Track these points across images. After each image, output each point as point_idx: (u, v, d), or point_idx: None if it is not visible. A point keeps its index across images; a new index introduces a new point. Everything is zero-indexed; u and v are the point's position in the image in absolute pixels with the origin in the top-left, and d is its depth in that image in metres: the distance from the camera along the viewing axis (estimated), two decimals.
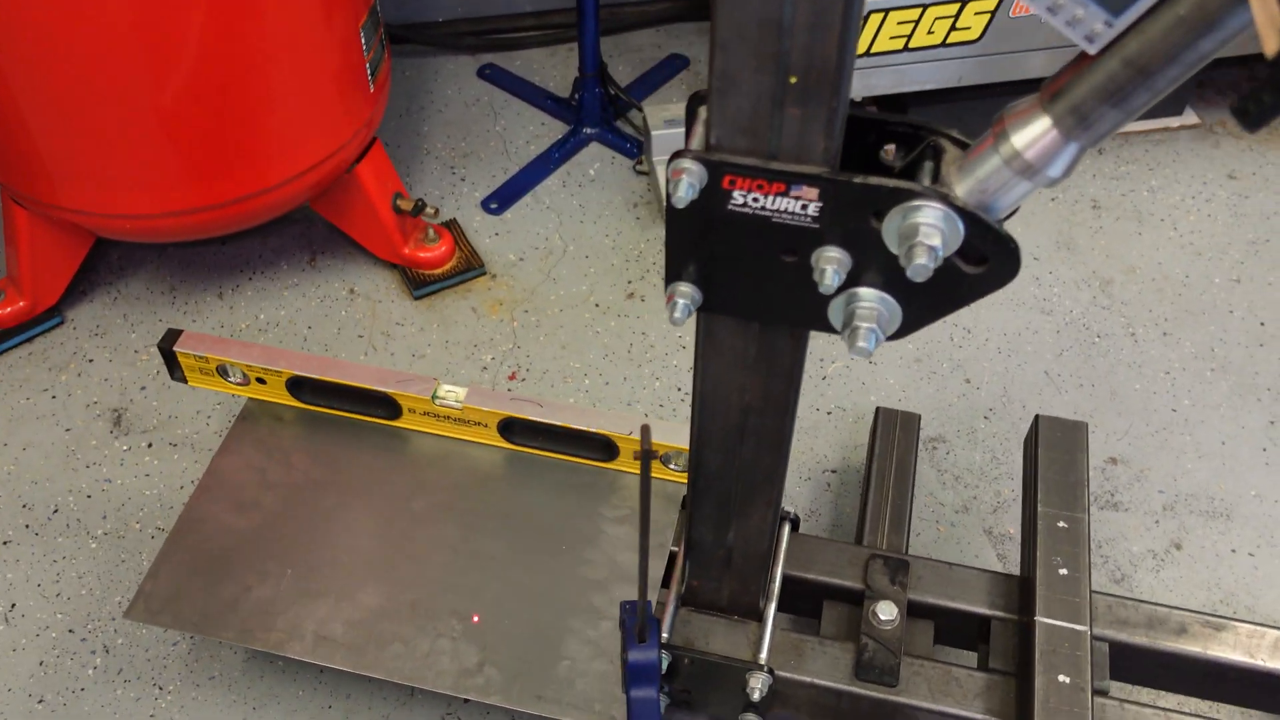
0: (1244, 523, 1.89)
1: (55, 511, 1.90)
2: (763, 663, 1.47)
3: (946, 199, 0.92)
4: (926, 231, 0.92)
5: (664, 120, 2.36)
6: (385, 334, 2.16)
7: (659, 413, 2.05)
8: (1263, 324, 2.19)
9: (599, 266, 2.28)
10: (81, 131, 1.81)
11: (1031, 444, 1.65)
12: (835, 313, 1.04)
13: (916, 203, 0.93)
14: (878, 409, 1.87)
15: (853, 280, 1.00)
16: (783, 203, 0.96)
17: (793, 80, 0.88)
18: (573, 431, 1.61)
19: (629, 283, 2.25)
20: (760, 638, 1.49)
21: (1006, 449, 2.01)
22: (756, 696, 1.43)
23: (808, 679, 1.47)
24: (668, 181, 0.96)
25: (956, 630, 1.58)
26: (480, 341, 2.15)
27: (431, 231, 2.22)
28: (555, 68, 2.73)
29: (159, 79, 1.76)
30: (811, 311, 1.04)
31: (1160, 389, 2.09)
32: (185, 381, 1.73)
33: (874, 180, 0.93)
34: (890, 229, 0.95)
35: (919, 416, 1.90)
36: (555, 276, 2.27)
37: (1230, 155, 2.53)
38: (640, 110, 2.44)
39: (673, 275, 1.05)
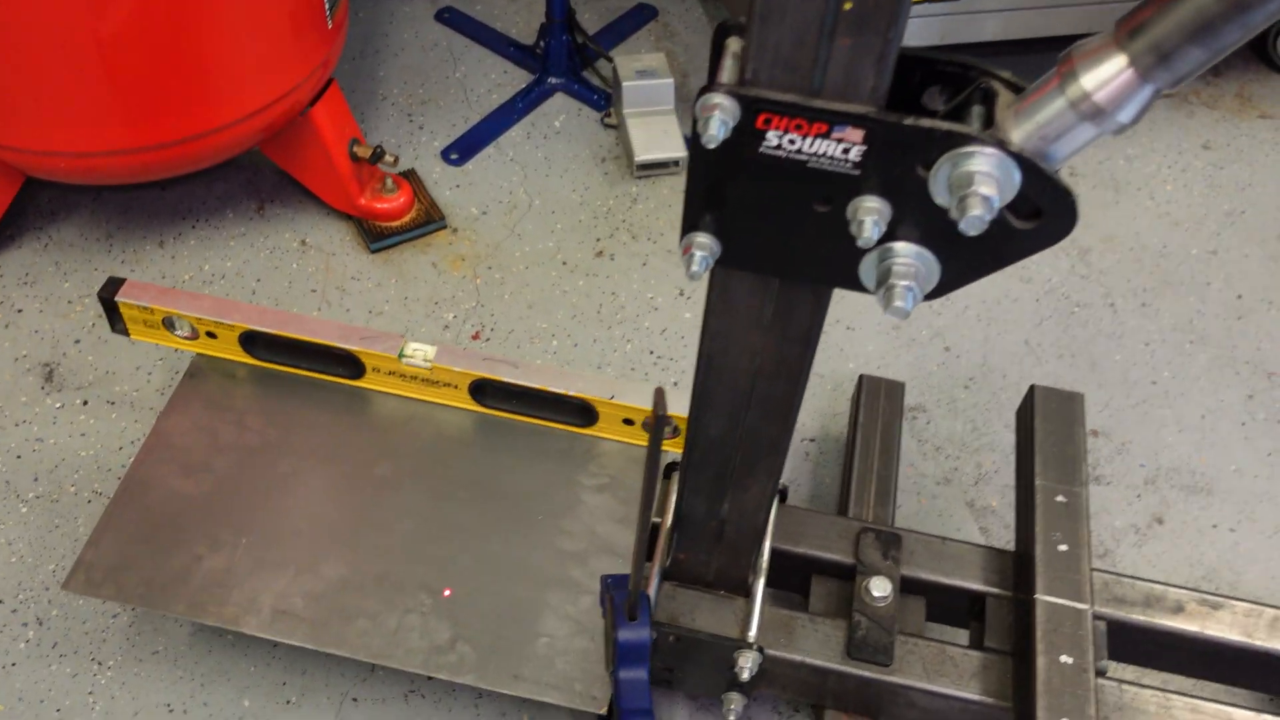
0: (1225, 497, 1.86)
1: None
2: (752, 641, 1.39)
3: (1003, 145, 0.84)
4: (981, 180, 0.84)
5: (635, 71, 2.26)
6: (340, 289, 2.04)
7: (630, 377, 1.96)
8: (1240, 297, 2.16)
9: (566, 223, 2.18)
10: (10, 60, 1.66)
11: (1026, 415, 1.59)
12: (867, 269, 0.95)
13: (970, 149, 0.84)
14: (861, 376, 1.80)
15: (889, 234, 0.92)
16: (822, 146, 0.87)
17: (847, 6, 0.79)
18: (549, 395, 1.52)
19: (597, 240, 2.15)
20: (749, 614, 1.42)
21: (987, 419, 1.96)
22: (746, 676, 1.36)
23: (798, 658, 1.41)
24: (681, 130, 0.87)
25: (948, 607, 1.52)
26: (441, 299, 2.04)
27: (390, 181, 2.09)
28: (518, 13, 2.61)
29: (97, 5, 1.61)
30: (841, 268, 0.96)
31: (1140, 360, 2.05)
32: (127, 334, 1.60)
33: (927, 123, 0.84)
34: (939, 178, 0.87)
35: (903, 385, 1.84)
36: (520, 232, 2.16)
37: (1205, 125, 2.49)
38: (610, 60, 2.34)
39: (690, 224, 0.96)
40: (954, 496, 1.85)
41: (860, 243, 0.90)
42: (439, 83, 2.44)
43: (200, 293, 1.60)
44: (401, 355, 1.53)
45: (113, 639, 1.60)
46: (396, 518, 1.48)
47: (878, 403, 1.80)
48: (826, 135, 0.86)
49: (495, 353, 1.68)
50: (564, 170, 2.27)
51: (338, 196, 2.09)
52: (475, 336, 1.99)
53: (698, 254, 0.95)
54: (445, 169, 2.25)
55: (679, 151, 2.24)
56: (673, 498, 1.50)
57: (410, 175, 2.20)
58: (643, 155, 2.22)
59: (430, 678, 1.59)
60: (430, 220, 2.12)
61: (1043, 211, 0.88)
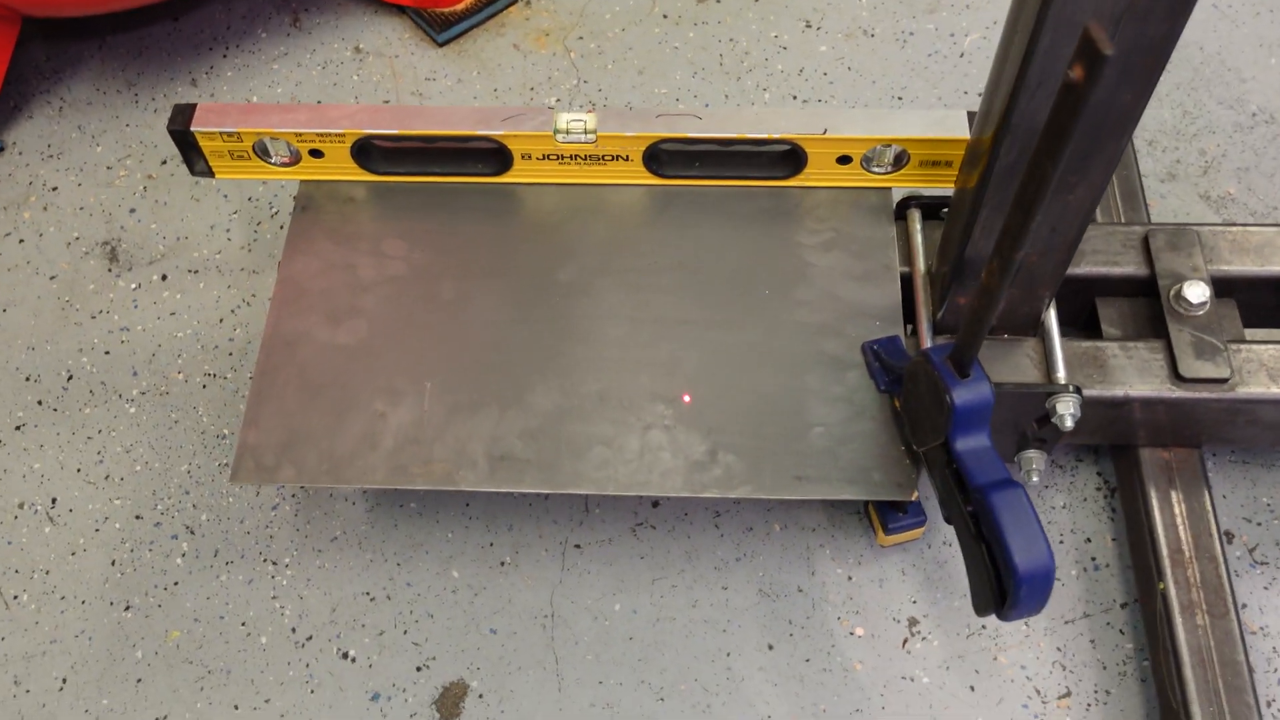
0: None
1: (70, 379, 1.49)
2: (1064, 381, 1.15)
3: None
4: None
5: None
6: (417, 94, 1.72)
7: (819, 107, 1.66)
8: None
9: None
10: None
11: None
12: None
13: None
14: None
15: None
16: None
17: None
18: (749, 144, 1.23)
19: None
20: (1049, 353, 1.17)
21: (1196, 100, 1.67)
22: (1069, 423, 1.12)
23: (1119, 392, 1.16)
24: None
25: (1263, 306, 1.27)
26: (536, 83, 1.73)
27: None
28: None
29: None
30: None
31: None
32: (211, 174, 1.30)
33: None
34: None
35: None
36: None
37: None
38: None
39: None
40: (1185, 193, 1.59)
41: None
42: None
43: (291, 104, 1.30)
44: (557, 131, 1.23)
45: (281, 534, 1.37)
46: (598, 324, 1.22)
47: None
48: None
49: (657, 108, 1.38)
50: None
51: None
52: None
53: None
54: None
55: None
56: (916, 239, 1.24)
57: None
58: None
59: (655, 504, 1.36)
60: None
61: None
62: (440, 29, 1.76)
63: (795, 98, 1.69)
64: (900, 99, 1.68)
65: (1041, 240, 1.06)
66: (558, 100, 1.71)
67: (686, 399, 1.17)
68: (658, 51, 1.75)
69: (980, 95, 1.65)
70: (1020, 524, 0.93)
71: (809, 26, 1.76)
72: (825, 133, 1.22)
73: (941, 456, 1.02)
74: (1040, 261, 1.09)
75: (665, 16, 1.79)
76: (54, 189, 1.65)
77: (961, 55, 1.72)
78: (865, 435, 1.14)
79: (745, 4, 1.79)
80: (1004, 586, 0.96)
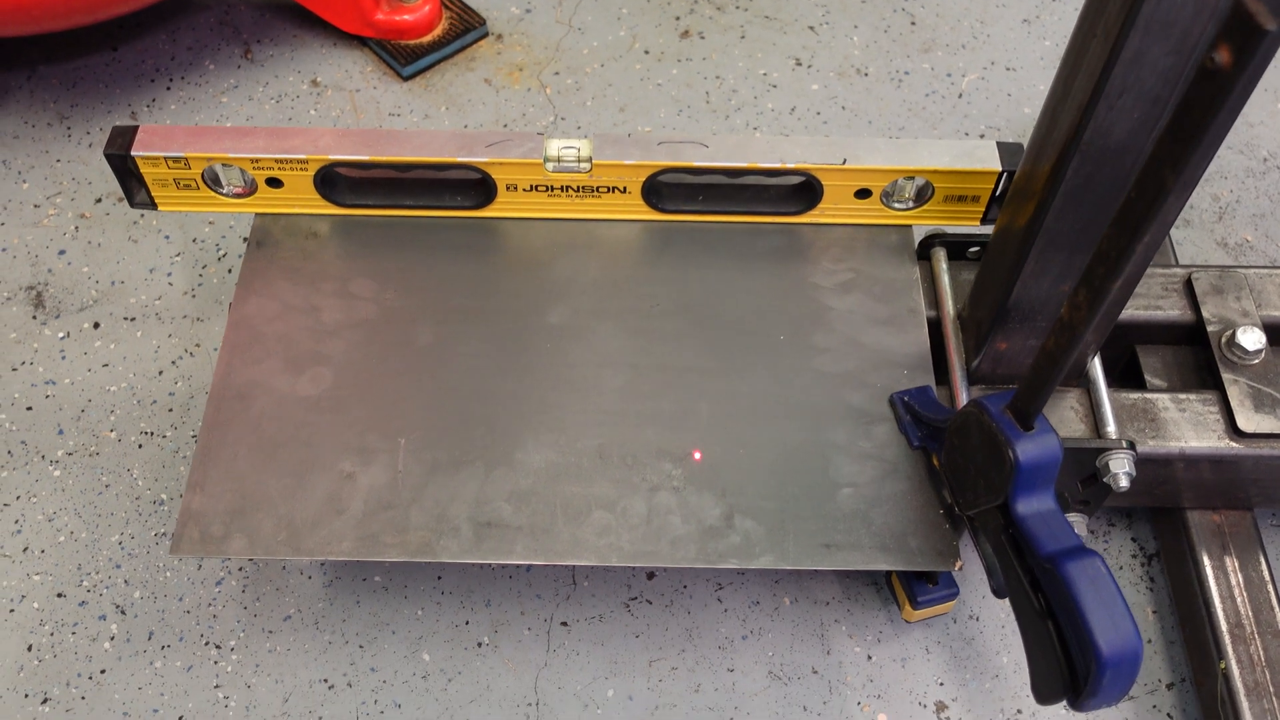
0: None
1: None
2: (1115, 436, 1.04)
3: None
4: None
5: None
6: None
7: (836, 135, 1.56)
8: None
9: (632, 6, 1.74)
10: None
11: None
12: None
13: None
14: None
15: None
16: None
17: None
18: (760, 174, 1.11)
19: (677, 20, 1.72)
20: (1096, 406, 1.06)
21: None
22: (1124, 482, 1.00)
23: (1175, 449, 1.05)
24: None
25: None
26: (510, 120, 1.61)
27: None
28: None
29: None
30: None
31: None
32: (153, 206, 1.15)
33: None
34: None
35: None
36: (580, 26, 1.72)
37: None
38: None
39: None
40: (1201, 240, 1.50)
41: None
42: None
43: (248, 126, 1.16)
44: (547, 159, 1.11)
45: (226, 613, 1.20)
46: (595, 373, 1.08)
47: None
48: None
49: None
50: None
51: (348, 15, 1.62)
52: None
53: None
54: None
55: None
56: (943, 280, 1.13)
57: None
58: None
59: (651, 575, 1.22)
60: (467, 28, 1.67)
61: None
62: (405, 62, 1.63)
63: (786, 135, 1.59)
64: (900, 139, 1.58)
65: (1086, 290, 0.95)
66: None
67: (697, 456, 1.03)
68: (640, 88, 1.64)
69: (983, 136, 1.57)
70: (1102, 599, 0.80)
71: (799, 64, 1.67)
72: (845, 163, 1.11)
73: (998, 521, 0.89)
74: (1084, 308, 0.98)
75: (646, 53, 1.68)
76: None
77: (960, 96, 1.63)
78: (899, 497, 1.01)
79: (731, 41, 1.70)
80: (1077, 671, 0.83)
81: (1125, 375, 1.18)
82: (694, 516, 1.00)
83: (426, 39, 1.65)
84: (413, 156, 1.11)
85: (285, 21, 1.68)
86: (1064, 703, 0.85)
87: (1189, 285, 1.14)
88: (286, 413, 1.05)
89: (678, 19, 1.72)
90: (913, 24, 1.72)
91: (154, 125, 1.11)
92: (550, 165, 1.12)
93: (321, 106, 1.61)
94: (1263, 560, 1.12)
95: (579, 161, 1.12)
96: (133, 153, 1.10)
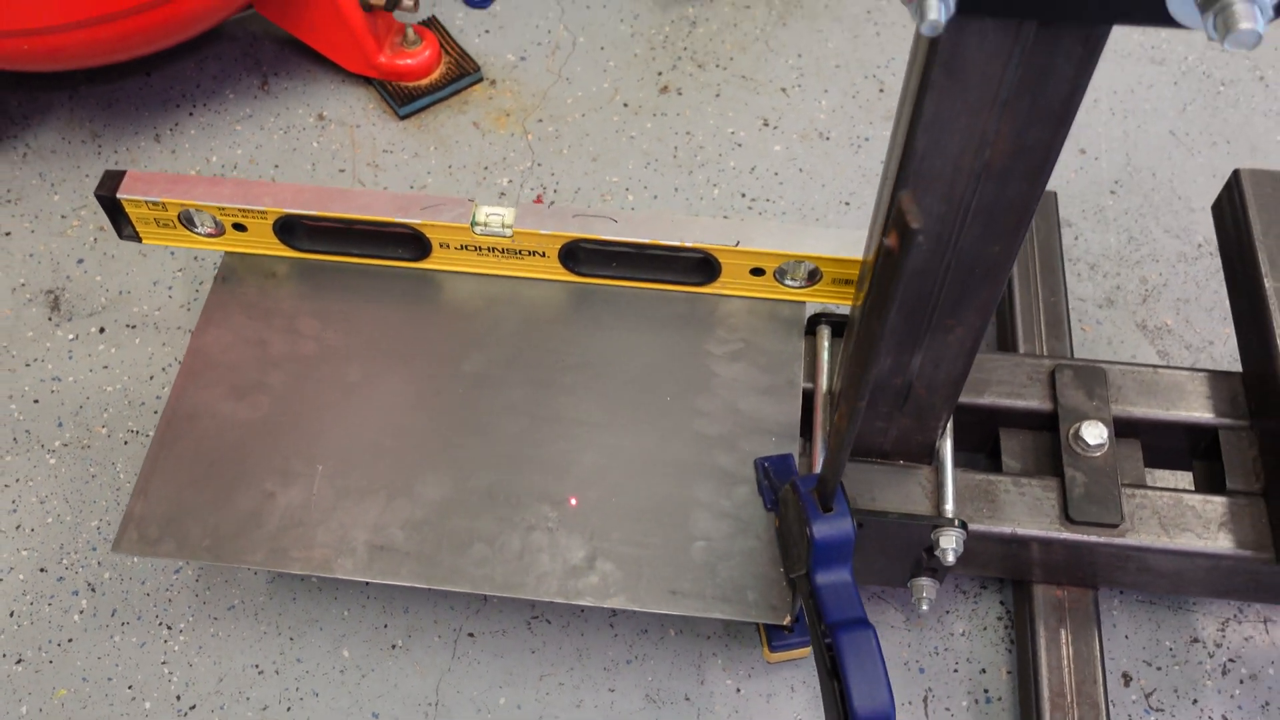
0: None
1: None
2: (951, 515, 1.15)
3: None
4: None
5: None
6: (372, 165, 1.75)
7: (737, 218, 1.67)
8: None
9: (619, 59, 1.87)
10: None
11: (1231, 207, 1.30)
12: None
13: None
14: None
15: None
16: None
17: None
18: (661, 250, 1.24)
19: (659, 75, 1.85)
20: (940, 485, 1.17)
21: (1143, 226, 1.67)
22: (950, 558, 1.11)
23: (1007, 529, 1.16)
24: None
25: (1166, 448, 1.27)
26: (491, 162, 1.75)
27: (411, 32, 1.78)
28: None
29: None
30: None
31: None
32: (138, 239, 1.32)
33: None
34: None
35: (1055, 195, 1.56)
36: (568, 76, 1.85)
37: None
38: None
39: None
40: (1122, 320, 1.58)
41: None
42: None
43: (219, 177, 1.32)
44: (474, 223, 1.25)
45: (180, 598, 1.37)
46: (498, 419, 1.22)
47: None
48: None
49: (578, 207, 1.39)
50: None
51: (353, 57, 1.78)
52: (538, 200, 1.70)
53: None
54: (470, 12, 1.93)
55: None
56: (823, 355, 1.24)
57: (432, 23, 1.88)
58: None
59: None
60: (463, 73, 1.82)
61: None
62: (403, 102, 1.78)
63: (744, 195, 1.71)
64: (848, 204, 1.69)
65: (927, 376, 1.06)
66: (509, 181, 1.73)
67: (573, 502, 1.17)
68: (614, 140, 1.77)
69: None
70: (864, 666, 0.92)
71: (766, 125, 1.78)
72: (738, 244, 1.23)
73: (806, 587, 1.01)
74: (928, 395, 1.09)
75: (625, 105, 1.81)
76: (7, 234, 1.68)
77: None
78: (746, 553, 1.14)
79: (706, 98, 1.81)
80: None
81: (994, 453, 1.28)
82: (561, 555, 1.14)
83: (424, 82, 1.80)
84: (357, 214, 1.26)
85: (301, 57, 1.85)
86: None
87: (1052, 377, 1.24)
88: (225, 433, 1.21)
89: (660, 74, 1.85)
90: (881, 91, 1.82)
91: (139, 172, 1.27)
92: (477, 229, 1.26)
93: (324, 139, 1.78)
94: (1096, 636, 1.22)
95: (502, 227, 1.25)
96: (119, 195, 1.27)
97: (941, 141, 0.81)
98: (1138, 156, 1.75)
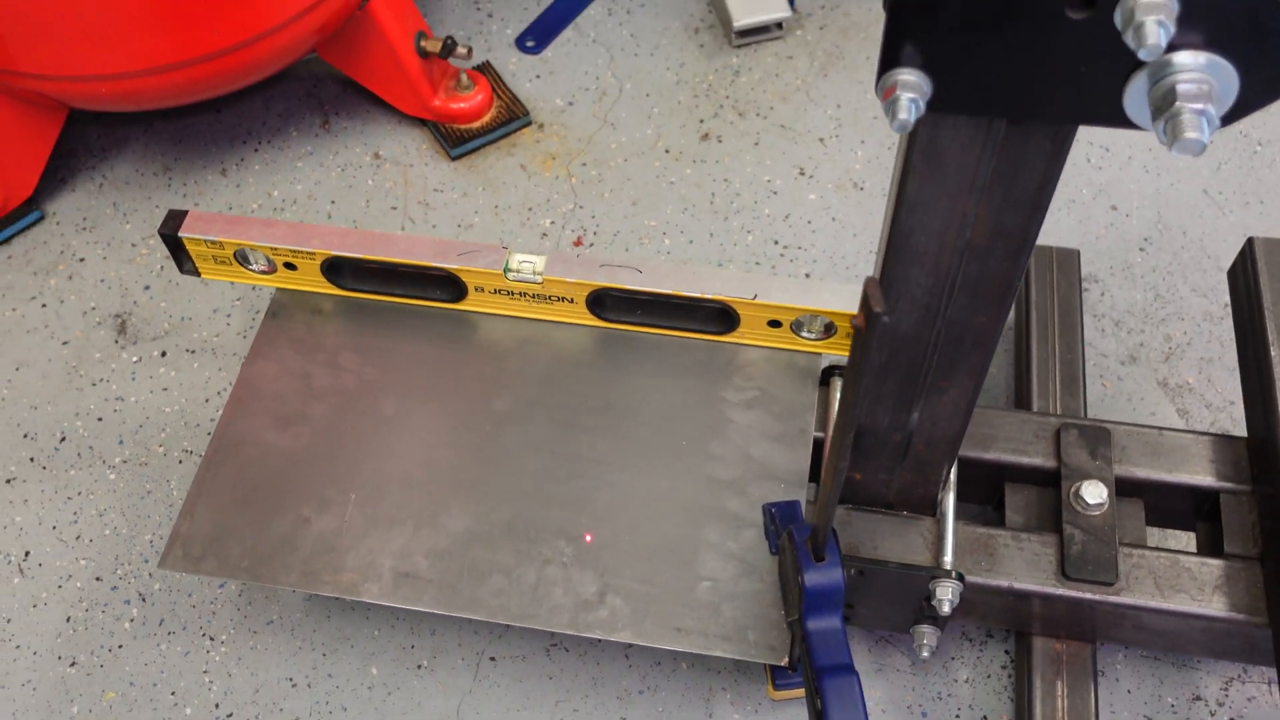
0: None
1: (62, 440, 1.61)
2: (949, 567, 1.19)
3: None
4: None
5: None
6: (423, 203, 1.84)
7: (756, 272, 1.73)
8: None
9: (664, 106, 1.94)
10: None
11: (1245, 274, 1.33)
12: (1135, 96, 0.71)
13: None
14: None
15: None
16: None
17: None
18: (682, 300, 1.30)
19: (701, 122, 1.91)
20: (940, 537, 1.21)
21: (1170, 284, 1.70)
22: (946, 609, 1.16)
23: (1004, 583, 1.20)
24: None
25: (1170, 510, 1.29)
26: (535, 204, 1.83)
27: (464, 77, 1.87)
28: None
29: None
30: (1098, 97, 0.72)
31: None
32: (197, 274, 1.41)
33: None
34: None
35: (1078, 253, 1.59)
36: (613, 121, 1.92)
37: None
38: None
39: (890, 60, 0.73)
40: (1143, 377, 1.61)
41: (1142, 54, 0.65)
42: None
43: (273, 219, 1.41)
44: (507, 270, 1.32)
45: (223, 612, 1.46)
46: (521, 456, 1.29)
47: (1049, 275, 1.56)
48: None
49: (606, 256, 1.47)
50: (654, 47, 2.02)
51: (409, 100, 1.87)
52: (577, 243, 1.78)
53: (905, 98, 0.72)
54: (522, 59, 2.02)
55: (782, 11, 1.97)
56: (835, 406, 1.29)
57: (485, 69, 1.97)
58: (741, 20, 1.97)
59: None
60: (513, 117, 1.90)
61: None
62: (455, 144, 1.87)
63: (777, 242, 1.76)
64: (875, 254, 1.74)
65: (925, 432, 1.11)
66: (551, 222, 1.80)
67: (588, 538, 1.23)
68: (654, 185, 1.84)
69: None
70: (845, 711, 0.97)
71: (802, 174, 1.84)
72: (755, 298, 1.29)
73: (800, 631, 1.06)
74: (927, 451, 1.14)
75: (667, 151, 1.88)
76: (81, 259, 1.79)
77: None
78: (750, 595, 1.19)
79: (745, 146, 1.88)
80: None
81: (1000, 507, 1.32)
82: (574, 589, 1.20)
83: (476, 125, 1.89)
84: (399, 258, 1.34)
85: (360, 98, 1.94)
86: None
87: (1057, 435, 1.28)
88: (268, 460, 1.29)
89: (701, 121, 1.91)
90: None
91: (200, 212, 1.37)
92: (510, 275, 1.33)
93: (378, 178, 1.87)
94: (1091, 690, 1.25)
95: (534, 274, 1.33)
96: (180, 234, 1.36)
97: (925, 220, 0.86)
98: (1169, 214, 1.77)
